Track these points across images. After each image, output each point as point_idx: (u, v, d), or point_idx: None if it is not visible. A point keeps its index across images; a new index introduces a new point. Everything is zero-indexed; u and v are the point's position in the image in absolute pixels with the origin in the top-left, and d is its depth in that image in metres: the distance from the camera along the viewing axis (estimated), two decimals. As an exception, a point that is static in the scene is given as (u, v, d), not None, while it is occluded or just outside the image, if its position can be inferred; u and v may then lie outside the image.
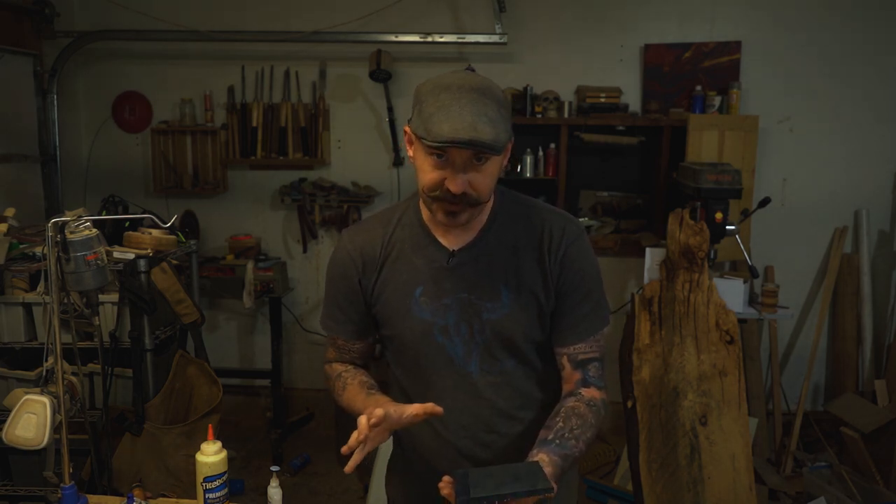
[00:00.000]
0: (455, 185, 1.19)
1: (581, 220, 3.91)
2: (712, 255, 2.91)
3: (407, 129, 1.27)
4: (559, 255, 1.31)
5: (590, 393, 1.33)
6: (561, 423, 1.26)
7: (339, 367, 1.47)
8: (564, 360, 1.35)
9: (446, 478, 1.15)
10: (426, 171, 1.22)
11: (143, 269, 2.64)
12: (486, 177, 1.22)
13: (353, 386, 1.39)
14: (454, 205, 1.22)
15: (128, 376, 2.71)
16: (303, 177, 4.12)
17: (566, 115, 3.84)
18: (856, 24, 3.76)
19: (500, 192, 1.37)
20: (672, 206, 3.33)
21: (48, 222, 1.51)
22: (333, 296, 1.42)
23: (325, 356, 1.52)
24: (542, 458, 1.19)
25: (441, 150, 1.17)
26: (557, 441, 1.23)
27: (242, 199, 4.22)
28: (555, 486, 1.13)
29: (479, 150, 1.16)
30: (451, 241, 1.33)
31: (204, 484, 1.53)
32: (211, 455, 1.54)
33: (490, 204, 1.34)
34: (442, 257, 1.32)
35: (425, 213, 1.34)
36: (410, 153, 1.28)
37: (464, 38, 3.82)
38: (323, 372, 1.52)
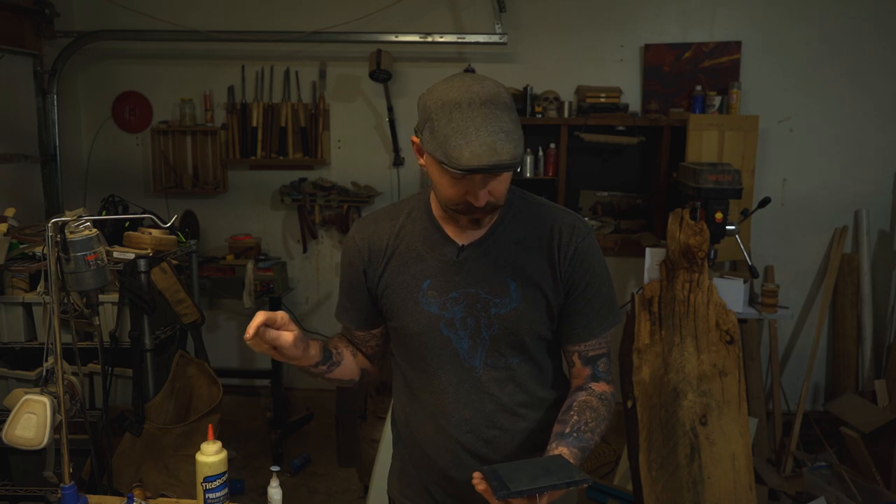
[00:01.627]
0: (478, 201, 1.21)
1: (581, 220, 3.90)
2: (712, 255, 2.91)
3: (415, 139, 1.25)
4: (569, 254, 1.32)
5: (600, 387, 1.36)
6: (576, 417, 1.29)
7: (335, 341, 1.50)
8: (575, 357, 1.38)
9: (477, 473, 1.16)
10: (445, 187, 1.23)
11: (143, 269, 2.64)
12: (504, 183, 1.24)
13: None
14: (478, 214, 1.24)
15: (128, 376, 2.72)
16: (303, 177, 4.12)
17: (566, 115, 3.84)
18: (856, 24, 3.76)
19: (511, 190, 1.38)
20: (672, 206, 3.33)
21: (48, 222, 1.50)
22: (342, 284, 1.47)
23: None
24: (563, 451, 1.22)
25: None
26: (574, 434, 1.26)
27: (242, 199, 4.22)
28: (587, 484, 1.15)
29: (503, 171, 1.17)
30: (460, 236, 1.34)
31: (204, 484, 1.53)
32: (211, 455, 1.54)
33: None
34: (451, 251, 1.33)
35: (435, 208, 1.35)
36: (421, 162, 1.27)
37: (464, 38, 3.82)
38: None
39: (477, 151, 1.11)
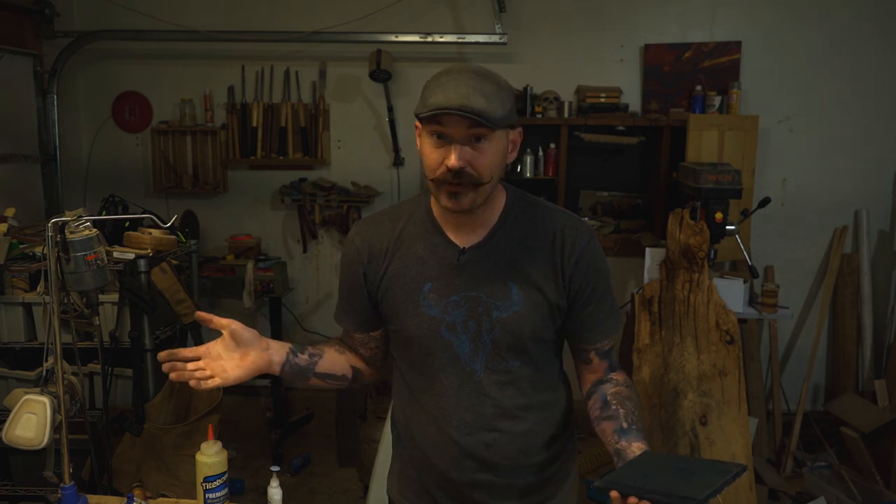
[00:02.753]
0: (452, 160, 1.20)
1: (581, 220, 3.91)
2: (712, 255, 2.91)
3: (417, 122, 1.29)
4: (574, 257, 1.32)
5: (620, 376, 1.39)
6: (622, 409, 1.30)
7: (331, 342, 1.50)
8: (591, 355, 1.40)
9: (614, 493, 1.09)
10: (428, 154, 1.24)
11: (143, 269, 2.64)
12: (485, 156, 1.22)
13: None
14: (456, 185, 1.23)
15: (128, 376, 2.72)
16: (303, 177, 4.12)
17: (566, 115, 3.84)
18: (856, 24, 3.76)
19: (512, 191, 1.37)
20: (672, 206, 3.33)
21: (48, 222, 1.50)
22: (342, 286, 1.46)
23: None
24: (640, 446, 1.24)
25: (439, 127, 1.19)
26: (634, 427, 1.28)
27: (242, 199, 4.22)
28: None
29: (469, 119, 1.17)
30: (461, 239, 1.33)
31: (204, 484, 1.53)
32: (211, 455, 1.54)
33: (501, 203, 1.35)
34: (452, 254, 1.33)
35: (436, 210, 1.35)
36: (419, 144, 1.29)
37: (464, 38, 3.82)
38: None
39: (450, 96, 1.17)
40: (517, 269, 1.32)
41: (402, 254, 1.36)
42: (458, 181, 1.22)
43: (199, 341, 2.99)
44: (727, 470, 1.07)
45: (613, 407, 1.31)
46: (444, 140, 1.21)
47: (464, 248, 1.33)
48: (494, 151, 1.23)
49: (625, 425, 1.27)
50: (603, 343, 1.39)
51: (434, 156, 1.23)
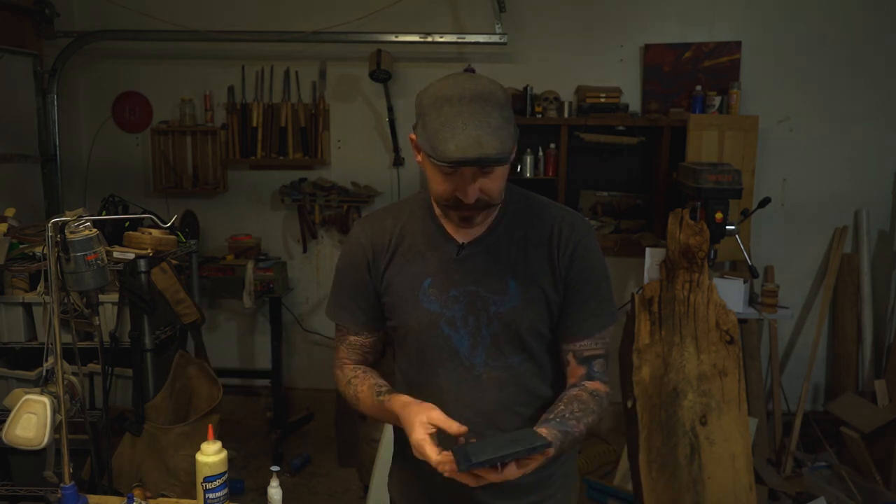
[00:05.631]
0: (467, 197, 1.22)
1: (581, 220, 3.90)
2: (712, 255, 2.91)
3: (412, 137, 1.28)
4: (568, 251, 1.33)
5: (593, 385, 1.35)
6: (562, 407, 1.29)
7: (349, 372, 1.44)
8: (570, 357, 1.37)
9: (446, 454, 1.14)
10: (437, 183, 1.25)
11: (143, 269, 2.64)
12: (496, 180, 1.24)
13: (364, 394, 1.37)
14: (468, 210, 1.25)
15: (128, 376, 2.72)
16: (303, 177, 4.12)
17: (566, 115, 3.84)
18: (855, 23, 3.76)
19: (510, 188, 1.38)
20: (672, 206, 3.33)
21: (48, 222, 1.51)
22: (345, 286, 1.43)
23: (336, 356, 1.48)
24: (542, 431, 1.21)
25: (450, 168, 1.19)
26: (557, 420, 1.25)
27: (242, 199, 4.22)
28: (552, 449, 1.14)
29: (488, 166, 1.17)
30: (461, 234, 1.35)
31: (204, 484, 1.53)
32: (211, 455, 1.54)
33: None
34: (451, 250, 1.34)
35: (436, 207, 1.36)
36: (419, 159, 1.29)
37: (464, 38, 3.81)
38: (333, 374, 1.48)
39: (462, 144, 1.13)
40: (515, 263, 1.32)
41: (403, 249, 1.37)
42: (470, 208, 1.24)
43: (198, 341, 2.99)
44: (529, 444, 1.12)
45: (558, 404, 1.29)
46: (453, 174, 1.21)
47: (463, 243, 1.34)
48: (503, 173, 1.25)
49: (550, 417, 1.25)
50: (582, 344, 1.35)
51: (444, 186, 1.23)
